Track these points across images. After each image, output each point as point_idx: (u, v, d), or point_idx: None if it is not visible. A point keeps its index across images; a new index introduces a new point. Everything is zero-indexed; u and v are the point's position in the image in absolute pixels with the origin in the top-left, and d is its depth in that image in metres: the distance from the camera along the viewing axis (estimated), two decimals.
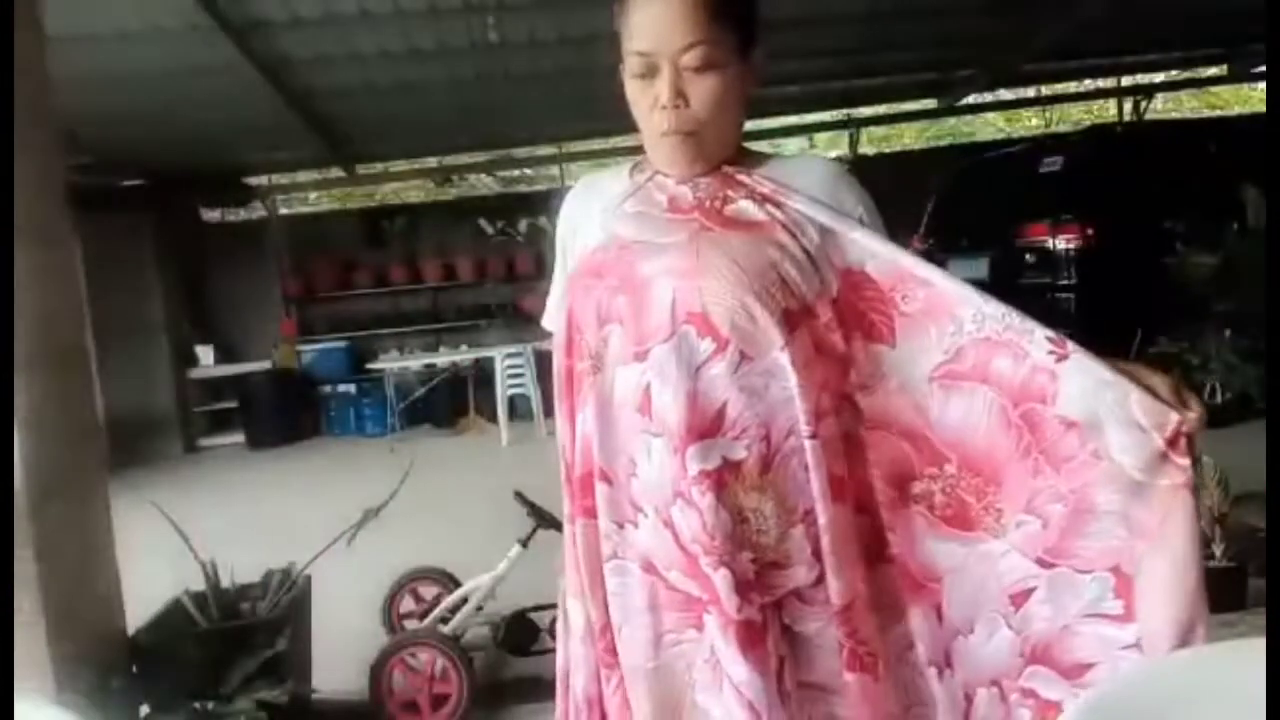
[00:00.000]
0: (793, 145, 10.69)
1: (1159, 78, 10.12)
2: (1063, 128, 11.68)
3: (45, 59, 2.26)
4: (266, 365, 8.80)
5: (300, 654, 2.54)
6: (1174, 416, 1.01)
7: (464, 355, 8.11)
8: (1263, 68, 8.52)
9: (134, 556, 2.53)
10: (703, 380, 1.08)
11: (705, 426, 1.07)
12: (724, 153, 1.16)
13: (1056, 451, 1.06)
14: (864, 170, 8.51)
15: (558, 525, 1.20)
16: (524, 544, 2.90)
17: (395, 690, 2.65)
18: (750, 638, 1.07)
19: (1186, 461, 1.01)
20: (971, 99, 9.25)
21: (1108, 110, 10.84)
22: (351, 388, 8.90)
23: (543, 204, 8.98)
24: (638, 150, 1.23)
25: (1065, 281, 5.51)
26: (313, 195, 11.36)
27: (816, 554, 1.09)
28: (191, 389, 8.73)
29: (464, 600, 2.93)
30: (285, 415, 8.53)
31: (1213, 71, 9.93)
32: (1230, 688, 0.91)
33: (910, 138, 13.01)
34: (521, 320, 8.56)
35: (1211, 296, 5.25)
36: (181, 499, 5.25)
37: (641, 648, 1.13)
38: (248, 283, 9.13)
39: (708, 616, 1.09)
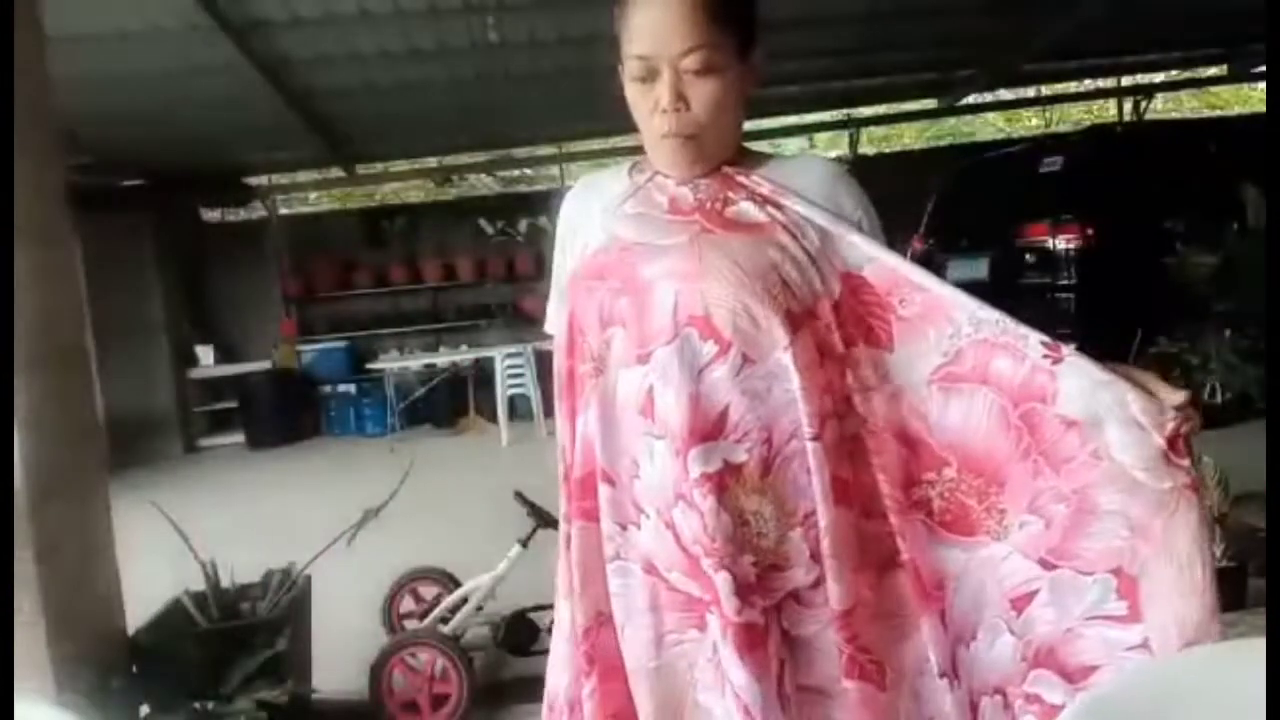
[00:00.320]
0: (793, 145, 10.69)
1: (1159, 78, 10.12)
2: (1063, 128, 11.68)
3: (45, 59, 2.25)
4: (266, 365, 8.81)
5: (300, 654, 2.53)
6: (1172, 413, 1.01)
7: (464, 355, 8.10)
8: (1263, 68, 8.52)
9: (134, 556, 2.53)
10: (705, 383, 1.08)
11: (707, 429, 1.07)
12: (724, 154, 1.16)
13: (1057, 452, 1.06)
14: (864, 170, 8.55)
15: (557, 525, 1.20)
16: (524, 544, 2.90)
17: (395, 690, 2.65)
18: (750, 640, 1.06)
19: (1187, 462, 1.02)
20: (971, 99, 9.26)
21: (1108, 110, 10.84)
22: (351, 388, 8.90)
23: (543, 204, 8.98)
24: (638, 150, 1.23)
25: (1065, 281, 5.50)
26: (313, 195, 11.36)
27: (815, 556, 1.09)
28: (191, 389, 8.73)
29: (464, 600, 2.93)
30: (285, 415, 8.53)
31: (1213, 71, 9.94)
32: (1230, 688, 0.91)
33: (910, 138, 13.01)
34: (521, 320, 8.54)
35: (1211, 296, 5.25)
36: (181, 499, 5.26)
37: (643, 647, 1.13)
38: (248, 283, 9.15)
39: (710, 616, 1.09)
